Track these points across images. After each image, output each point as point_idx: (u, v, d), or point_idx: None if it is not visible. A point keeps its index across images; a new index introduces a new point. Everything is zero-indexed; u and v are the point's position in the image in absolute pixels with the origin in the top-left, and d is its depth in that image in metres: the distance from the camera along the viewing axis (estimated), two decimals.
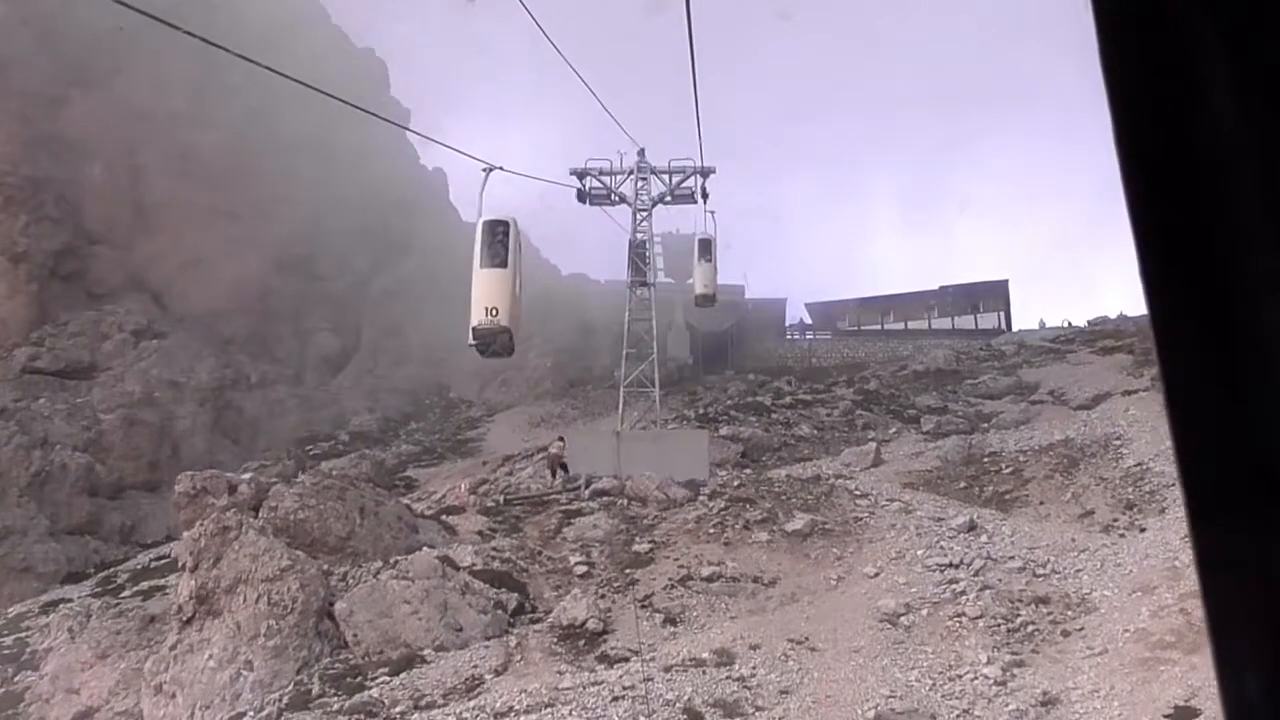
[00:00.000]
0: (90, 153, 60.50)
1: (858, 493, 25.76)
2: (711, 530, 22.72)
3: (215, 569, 18.42)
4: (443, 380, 61.07)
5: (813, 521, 22.69)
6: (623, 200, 32.01)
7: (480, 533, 23.18)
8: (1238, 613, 0.84)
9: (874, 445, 30.52)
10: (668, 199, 32.24)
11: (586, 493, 26.02)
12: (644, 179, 31.88)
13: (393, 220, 69.01)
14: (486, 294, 13.90)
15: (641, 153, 31.86)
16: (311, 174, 67.73)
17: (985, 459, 28.91)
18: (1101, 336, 48.36)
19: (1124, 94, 0.86)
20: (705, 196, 32.15)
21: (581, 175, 31.95)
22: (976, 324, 63.29)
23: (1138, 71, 0.85)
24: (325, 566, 20.28)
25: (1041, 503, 25.42)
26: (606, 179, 32.18)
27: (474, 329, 13.92)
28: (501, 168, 14.20)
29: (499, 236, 14.07)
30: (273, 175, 65.60)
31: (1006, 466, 27.87)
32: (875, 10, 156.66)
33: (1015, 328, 61.76)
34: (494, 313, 13.74)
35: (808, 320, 67.51)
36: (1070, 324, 56.73)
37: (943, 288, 66.85)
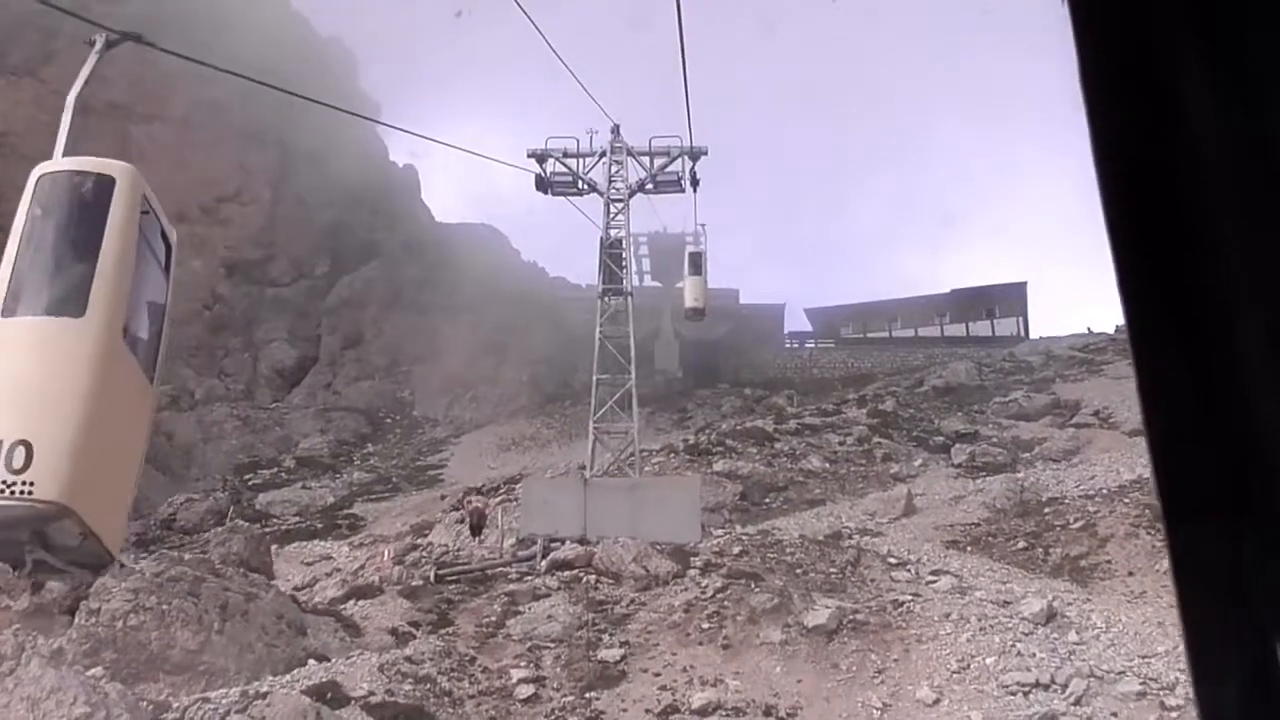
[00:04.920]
0: (14, 147, 55.26)
1: (892, 560, 20.07)
2: (705, 625, 16.92)
3: None
4: (406, 395, 55.30)
5: (840, 611, 16.93)
6: (593, 189, 25.50)
7: (394, 630, 17.27)
8: (1212, 614, 0.86)
9: (905, 490, 24.84)
10: (648, 187, 25.75)
11: (543, 564, 20.15)
12: (619, 162, 25.34)
13: (356, 220, 64.58)
14: (10, 398, 5.28)
15: (616, 130, 25.46)
16: (266, 170, 63.73)
17: (1045, 508, 23.21)
18: None
19: (1101, 102, 0.86)
20: (695, 184, 25.93)
21: (541, 159, 25.48)
22: (993, 330, 58.14)
23: (1114, 79, 0.85)
24: (164, 695, 14.44)
25: (1130, 574, 19.69)
26: (572, 162, 25.55)
27: None
28: (139, 37, 7.63)
29: (80, 221, 5.54)
30: (223, 172, 61.29)
31: (1074, 519, 22.17)
32: (870, 13, 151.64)
33: (1034, 334, 57.13)
34: (23, 457, 4.95)
35: (808, 327, 62.30)
36: (1091, 330, 52.06)
37: (954, 291, 61.56)
